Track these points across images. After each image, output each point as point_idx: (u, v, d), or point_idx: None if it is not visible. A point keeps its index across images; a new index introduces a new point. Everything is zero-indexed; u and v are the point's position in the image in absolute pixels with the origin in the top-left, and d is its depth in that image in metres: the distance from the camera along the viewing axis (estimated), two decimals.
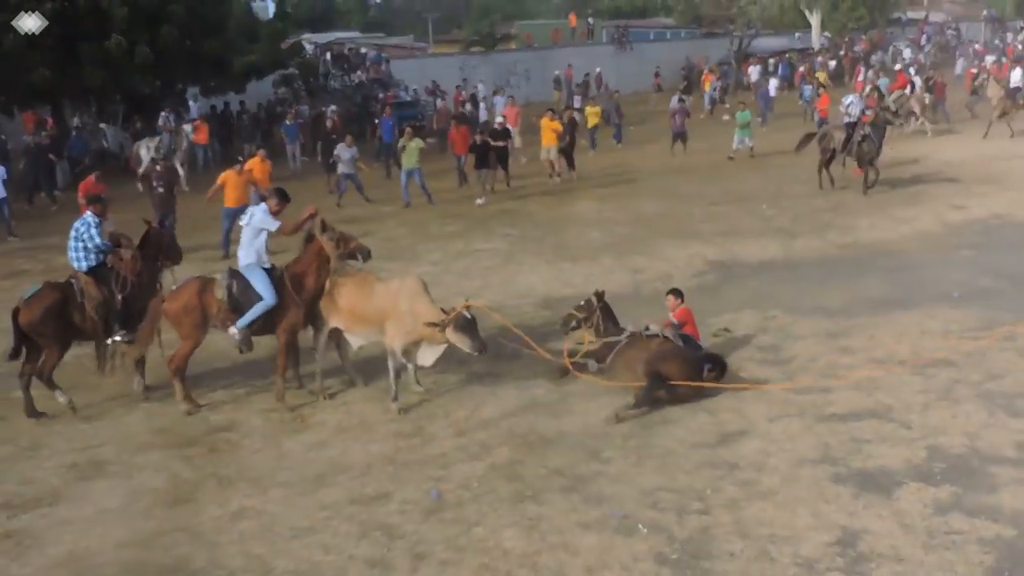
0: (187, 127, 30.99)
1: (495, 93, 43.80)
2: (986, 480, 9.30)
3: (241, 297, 12.29)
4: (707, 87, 46.69)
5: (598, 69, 51.30)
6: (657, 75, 53.77)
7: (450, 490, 9.82)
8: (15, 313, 12.45)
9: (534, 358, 12.96)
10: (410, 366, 12.54)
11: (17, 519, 9.71)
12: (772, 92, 41.94)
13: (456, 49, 63.50)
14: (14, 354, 12.53)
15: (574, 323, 13.10)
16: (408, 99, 44.32)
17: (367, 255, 13.05)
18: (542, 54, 57.24)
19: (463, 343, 11.62)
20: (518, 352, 13.20)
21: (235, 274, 12.43)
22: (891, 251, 18.52)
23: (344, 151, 26.46)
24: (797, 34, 63.01)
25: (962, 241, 18.85)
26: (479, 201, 25.86)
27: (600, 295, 13.11)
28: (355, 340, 12.64)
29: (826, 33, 60.93)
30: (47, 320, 12.31)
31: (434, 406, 12.17)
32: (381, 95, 43.06)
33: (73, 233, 13.05)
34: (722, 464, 10.01)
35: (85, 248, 12.90)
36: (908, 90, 34.57)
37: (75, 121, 34.80)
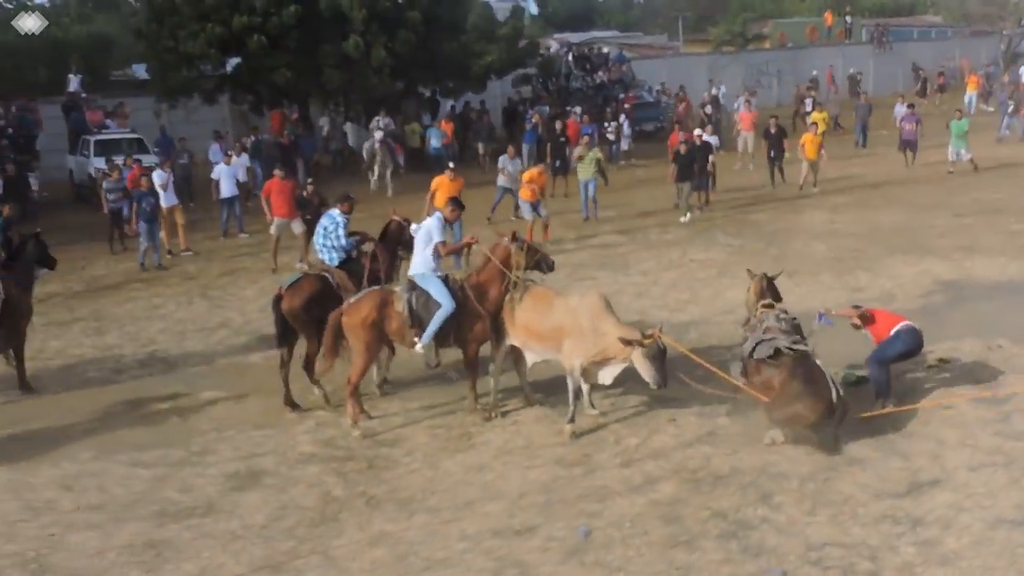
0: (378, 134, 31.07)
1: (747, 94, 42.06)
2: None
3: (422, 311, 11.91)
4: (971, 90, 43.66)
5: (852, 69, 48.94)
6: (941, 75, 50.17)
7: (600, 528, 9.15)
8: (277, 300, 12.70)
9: (723, 384, 12.04)
10: (585, 388, 11.88)
11: (165, 528, 9.64)
12: None
13: (707, 48, 61.98)
14: (281, 341, 12.78)
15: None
16: (651, 100, 43.39)
17: (551, 267, 12.57)
18: (795, 54, 55.02)
19: (646, 371, 10.95)
20: (708, 376, 12.25)
21: (414, 286, 12.10)
22: None
23: (508, 163, 24.38)
24: None
25: None
26: (683, 219, 23.83)
27: (766, 274, 12.34)
28: (531, 357, 12.11)
29: None
30: (309, 307, 12.50)
31: (606, 431, 11.49)
32: (621, 96, 42.33)
33: (321, 231, 13.35)
34: (905, 519, 8.93)
35: (334, 246, 13.19)
36: None
37: (321, 121, 35.83)
